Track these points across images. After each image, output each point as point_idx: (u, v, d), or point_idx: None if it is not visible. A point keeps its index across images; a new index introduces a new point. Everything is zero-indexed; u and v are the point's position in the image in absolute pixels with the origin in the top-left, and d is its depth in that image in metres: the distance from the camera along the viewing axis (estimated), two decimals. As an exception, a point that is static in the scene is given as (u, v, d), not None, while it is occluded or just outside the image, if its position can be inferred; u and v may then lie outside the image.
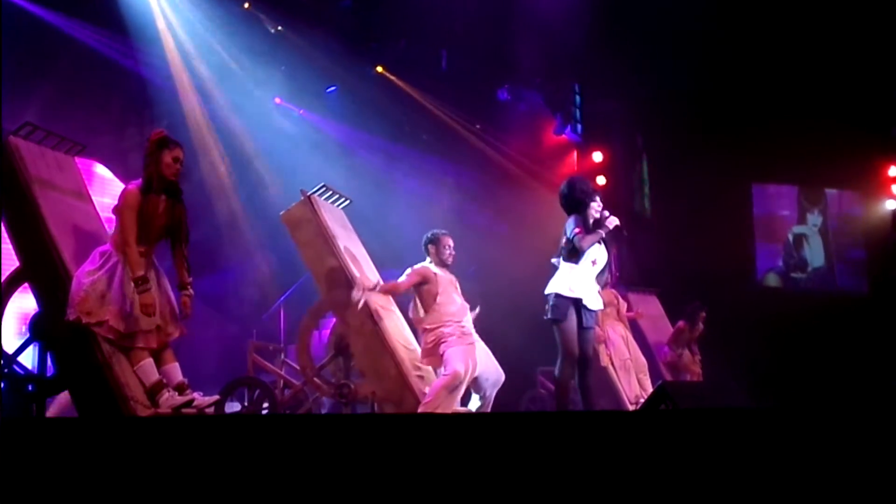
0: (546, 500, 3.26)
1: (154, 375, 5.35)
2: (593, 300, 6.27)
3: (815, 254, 13.59)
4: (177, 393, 5.36)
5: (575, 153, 12.58)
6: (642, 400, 8.35)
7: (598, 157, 12.43)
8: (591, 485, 3.30)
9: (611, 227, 6.31)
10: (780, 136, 11.86)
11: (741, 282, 12.58)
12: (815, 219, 13.62)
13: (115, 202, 5.50)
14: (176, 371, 5.52)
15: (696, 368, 10.18)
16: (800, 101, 11.69)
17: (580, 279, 6.19)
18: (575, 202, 6.34)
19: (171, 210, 5.49)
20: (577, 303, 6.15)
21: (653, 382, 8.81)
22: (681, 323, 10.25)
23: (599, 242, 6.30)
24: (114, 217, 5.50)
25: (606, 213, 6.38)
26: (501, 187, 11.77)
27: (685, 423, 3.61)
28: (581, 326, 6.16)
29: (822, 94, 11.62)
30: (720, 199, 12.31)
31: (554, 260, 6.39)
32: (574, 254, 6.22)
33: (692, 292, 10.64)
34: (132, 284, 5.29)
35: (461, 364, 6.29)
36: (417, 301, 6.66)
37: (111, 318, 5.26)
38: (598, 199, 6.40)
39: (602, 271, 6.42)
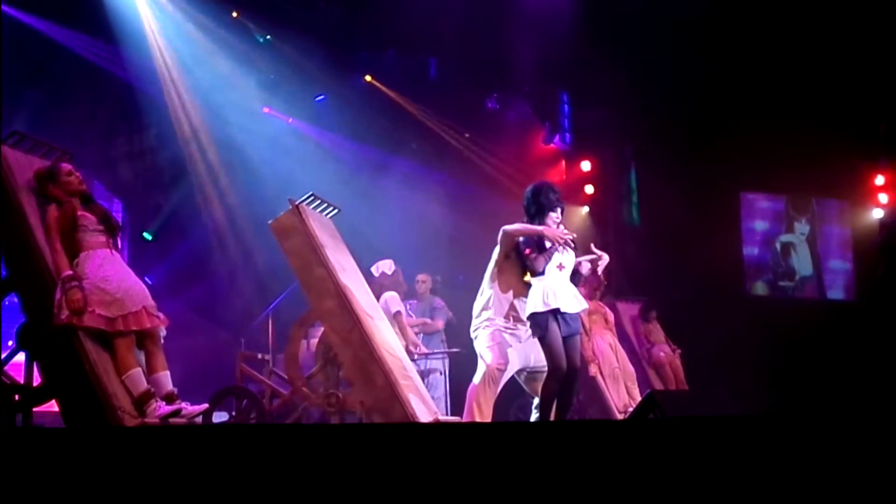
0: (534, 509, 3.27)
1: (142, 385, 5.34)
2: (573, 303, 6.19)
3: (802, 262, 13.65)
4: (165, 402, 5.36)
5: (563, 162, 12.61)
6: (631, 409, 8.37)
7: (586, 166, 12.46)
8: (579, 494, 3.30)
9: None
10: (769, 145, 11.91)
11: (729, 290, 12.62)
12: (802, 227, 13.69)
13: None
14: (166, 380, 5.51)
15: (676, 361, 10.25)
16: (788, 111, 11.74)
17: (552, 288, 6.13)
18: (537, 207, 6.29)
19: (88, 207, 5.63)
20: (556, 312, 6.11)
21: (641, 391, 8.83)
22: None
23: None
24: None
25: (561, 227, 6.35)
26: (490, 196, 11.76)
27: (673, 431, 3.62)
28: (563, 335, 6.12)
29: (809, 103, 11.68)
30: (708, 208, 12.35)
31: (526, 278, 6.35)
32: (535, 271, 6.22)
33: (680, 301, 10.67)
34: (109, 271, 5.41)
35: (490, 357, 6.28)
36: (493, 268, 6.49)
37: (96, 306, 5.29)
38: (559, 210, 6.32)
39: (576, 273, 6.38)
